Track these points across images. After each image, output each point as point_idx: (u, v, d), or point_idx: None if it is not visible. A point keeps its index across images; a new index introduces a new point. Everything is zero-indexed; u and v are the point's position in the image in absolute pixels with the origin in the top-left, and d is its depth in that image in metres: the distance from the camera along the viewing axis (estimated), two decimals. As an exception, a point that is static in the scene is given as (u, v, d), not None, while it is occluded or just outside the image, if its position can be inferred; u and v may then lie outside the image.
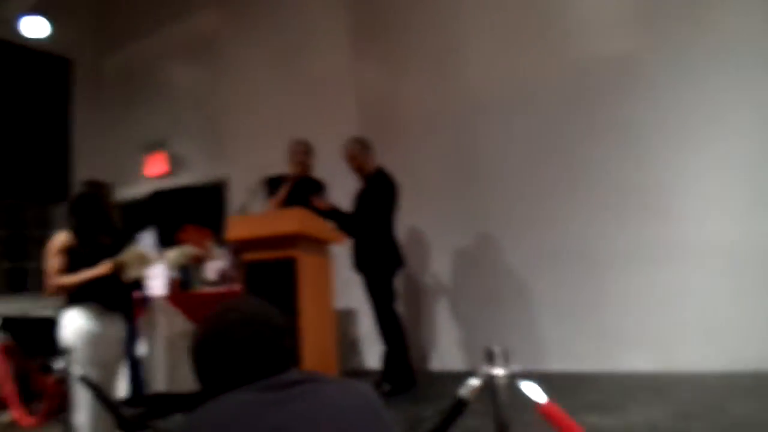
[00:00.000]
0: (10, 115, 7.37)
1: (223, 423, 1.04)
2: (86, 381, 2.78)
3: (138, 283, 3.71)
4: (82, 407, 2.93)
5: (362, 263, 4.55)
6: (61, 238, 3.30)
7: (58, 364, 2.94)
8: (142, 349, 4.64)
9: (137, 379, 4.64)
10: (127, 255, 3.23)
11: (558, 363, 4.58)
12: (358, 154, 4.65)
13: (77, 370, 2.81)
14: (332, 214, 4.37)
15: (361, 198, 4.60)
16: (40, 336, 3.41)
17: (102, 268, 3.21)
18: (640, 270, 4.41)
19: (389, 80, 5.84)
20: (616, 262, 4.50)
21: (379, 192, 4.54)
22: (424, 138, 5.52)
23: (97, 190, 3.43)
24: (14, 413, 3.64)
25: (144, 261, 3.30)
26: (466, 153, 5.31)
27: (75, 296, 3.24)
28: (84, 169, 7.79)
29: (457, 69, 5.39)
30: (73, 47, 8.11)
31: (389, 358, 4.51)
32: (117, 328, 3.38)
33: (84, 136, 8.21)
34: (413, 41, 5.65)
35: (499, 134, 5.13)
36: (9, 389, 3.77)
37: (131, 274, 3.27)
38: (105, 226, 3.41)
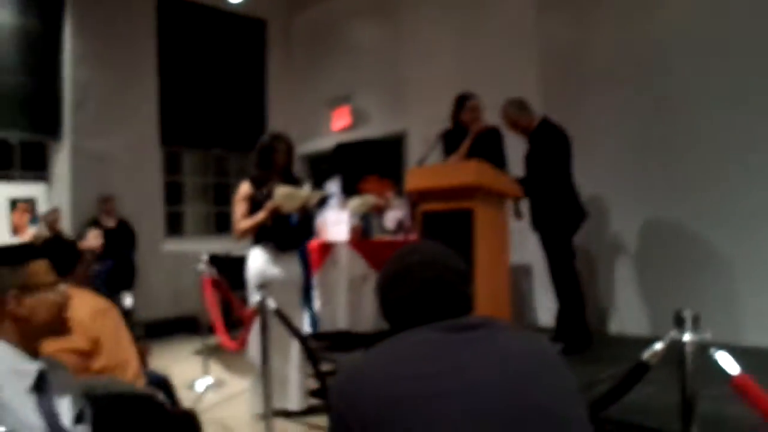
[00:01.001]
0: (215, 74, 8.13)
1: (404, 357, 1.08)
2: (279, 314, 3.04)
3: (308, 227, 3.95)
4: (273, 338, 3.22)
5: (539, 221, 4.42)
6: (243, 187, 3.63)
7: (255, 297, 3.24)
8: (316, 293, 4.98)
9: (312, 318, 5.01)
10: (276, 196, 3.46)
11: (755, 336, 4.15)
12: (518, 117, 4.43)
13: (271, 303, 3.07)
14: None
15: (532, 156, 4.40)
16: (241, 272, 3.80)
17: (262, 213, 3.49)
18: None
19: (573, 32, 5.49)
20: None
21: (550, 146, 4.31)
22: (608, 94, 5.14)
23: (273, 142, 3.67)
24: (220, 338, 4.10)
25: (293, 196, 3.50)
26: (653, 111, 4.86)
27: (256, 238, 3.60)
28: (278, 122, 8.40)
29: (649, 16, 4.90)
30: (267, 9, 8.67)
31: (564, 316, 4.40)
32: (291, 267, 3.68)
33: (277, 91, 8.82)
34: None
35: (693, 87, 4.62)
36: (216, 317, 4.24)
37: (290, 209, 3.50)
38: (282, 174, 3.66)
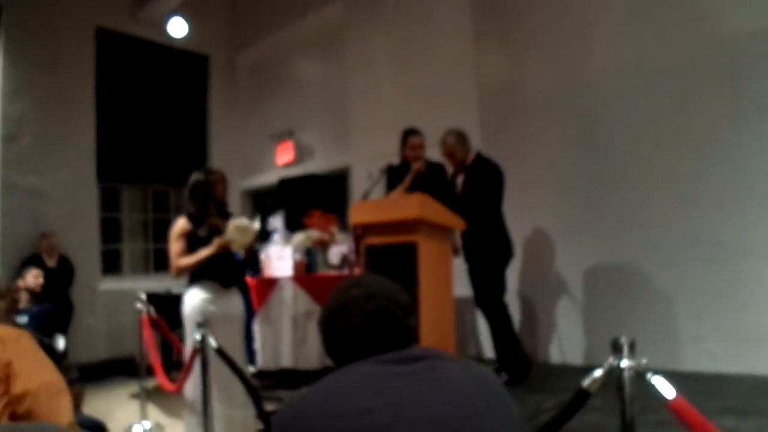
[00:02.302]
0: (155, 109, 8.02)
1: (344, 392, 1.07)
2: (220, 352, 2.95)
3: (255, 263, 3.91)
4: (214, 377, 3.12)
5: (472, 253, 4.46)
6: (180, 224, 3.54)
7: (195, 336, 3.14)
8: (256, 326, 4.90)
9: (249, 353, 4.90)
10: (229, 231, 3.39)
11: (692, 363, 4.29)
12: (456, 148, 4.50)
13: (212, 341, 2.99)
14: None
15: (468, 190, 4.47)
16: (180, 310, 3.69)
17: (210, 249, 3.41)
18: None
19: (511, 65, 5.69)
20: (759, 256, 4.10)
21: (487, 180, 4.40)
22: (547, 124, 5.32)
23: (209, 176, 3.62)
24: (159, 380, 3.95)
25: (245, 230, 3.42)
26: (591, 138, 5.06)
27: (195, 276, 3.49)
28: (220, 157, 8.34)
29: (582, 50, 5.13)
30: (209, 45, 8.66)
31: (502, 348, 4.43)
32: (234, 304, 3.59)
33: (219, 126, 8.76)
34: (536, 23, 5.45)
35: (627, 119, 4.83)
36: (154, 358, 4.09)
37: (240, 245, 3.41)
38: (218, 210, 3.61)
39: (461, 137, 4.54)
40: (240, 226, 3.41)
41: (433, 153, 4.67)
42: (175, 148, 8.20)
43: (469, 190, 4.44)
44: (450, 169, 4.62)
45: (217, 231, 3.47)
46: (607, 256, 4.91)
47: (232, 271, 3.58)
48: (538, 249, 5.31)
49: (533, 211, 5.25)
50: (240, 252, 3.48)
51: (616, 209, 4.87)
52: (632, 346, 1.68)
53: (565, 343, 5.16)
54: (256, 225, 3.51)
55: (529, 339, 5.25)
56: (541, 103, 5.39)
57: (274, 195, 7.89)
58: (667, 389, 1.59)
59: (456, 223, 3.82)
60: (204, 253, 3.43)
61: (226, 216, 3.61)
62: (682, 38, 4.55)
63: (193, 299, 3.48)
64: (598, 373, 1.72)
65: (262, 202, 8.62)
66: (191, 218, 3.54)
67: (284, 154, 8.05)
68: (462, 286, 4.55)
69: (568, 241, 5.17)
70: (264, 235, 6.11)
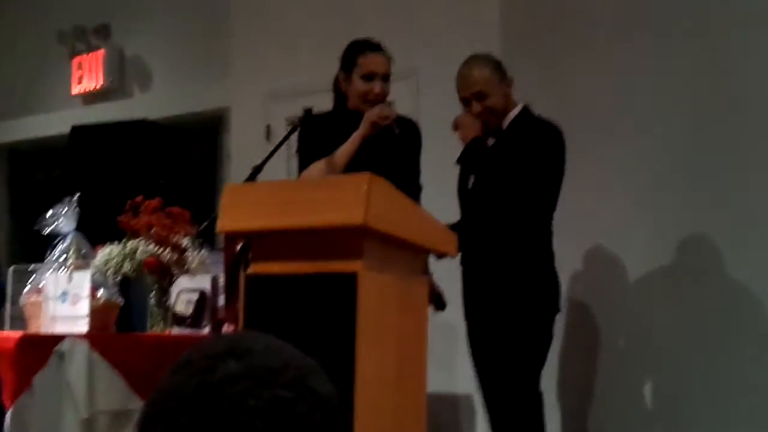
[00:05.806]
0: None
1: None
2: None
3: None
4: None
5: (482, 300, 4.58)
6: None
7: None
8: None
9: None
10: None
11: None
12: (492, 86, 4.61)
13: None
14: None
15: (495, 163, 4.58)
16: None
17: None
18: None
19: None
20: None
21: (536, 159, 4.48)
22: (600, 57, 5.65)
23: None
24: None
25: None
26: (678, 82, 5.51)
27: None
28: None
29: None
30: None
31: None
32: None
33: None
34: None
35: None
36: None
37: None
38: None
39: (498, 68, 4.67)
40: None
41: (404, 104, 4.75)
42: None
43: (494, 176, 4.53)
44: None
45: None
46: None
47: None
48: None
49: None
50: None
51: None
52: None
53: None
54: None
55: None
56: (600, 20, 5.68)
57: (58, 159, 7.83)
58: None
59: (442, 239, 3.85)
60: None
61: None
62: None
63: None
64: None
65: (32, 173, 8.56)
66: None
67: (85, 77, 8.01)
68: (446, 369, 4.61)
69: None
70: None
